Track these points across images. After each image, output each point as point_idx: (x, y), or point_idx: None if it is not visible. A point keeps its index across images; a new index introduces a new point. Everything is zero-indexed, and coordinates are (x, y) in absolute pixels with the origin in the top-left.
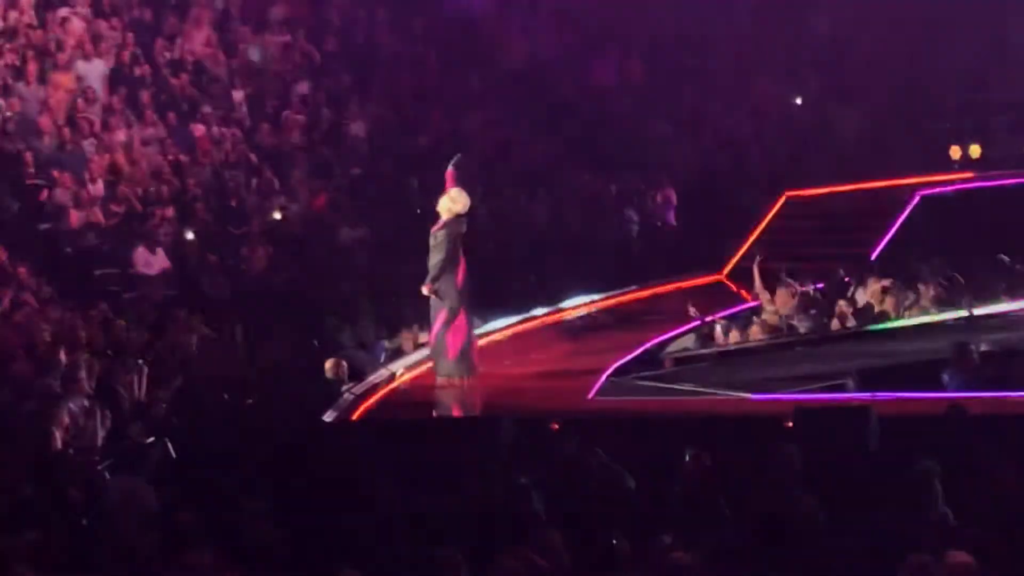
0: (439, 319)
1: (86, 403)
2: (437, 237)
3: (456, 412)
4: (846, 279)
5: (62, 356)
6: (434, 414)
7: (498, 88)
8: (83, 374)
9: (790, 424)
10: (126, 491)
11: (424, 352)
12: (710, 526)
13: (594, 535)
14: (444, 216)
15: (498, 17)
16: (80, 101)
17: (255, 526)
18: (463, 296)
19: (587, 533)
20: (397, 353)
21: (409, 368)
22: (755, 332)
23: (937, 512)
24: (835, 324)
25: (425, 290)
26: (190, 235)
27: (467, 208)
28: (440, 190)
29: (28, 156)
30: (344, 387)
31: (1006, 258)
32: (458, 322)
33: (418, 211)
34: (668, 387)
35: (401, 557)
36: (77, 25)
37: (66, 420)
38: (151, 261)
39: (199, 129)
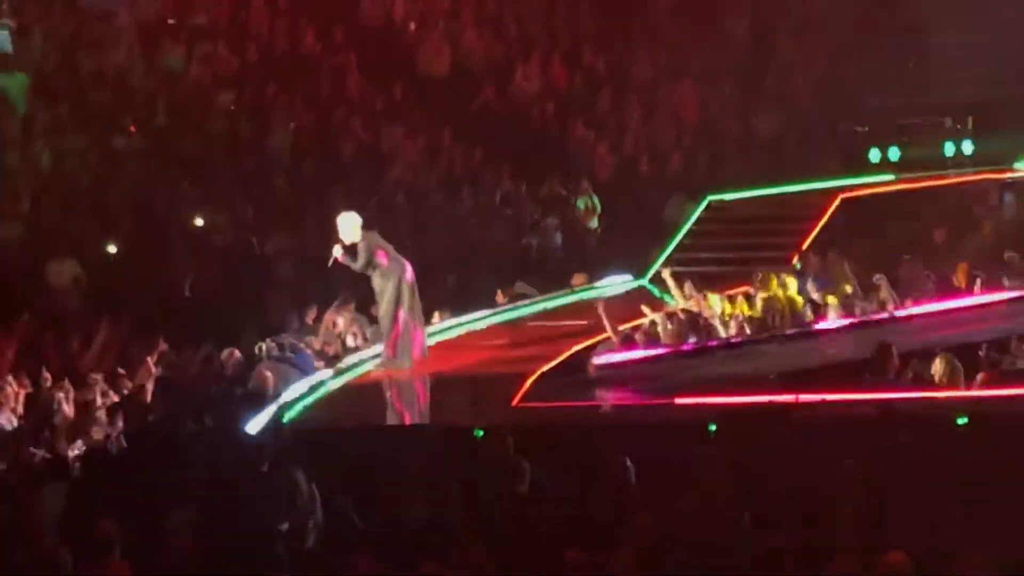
0: None
1: (14, 420)
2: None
3: (381, 419)
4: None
5: None
6: (360, 421)
7: (420, 95)
8: (10, 391)
9: (713, 427)
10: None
11: (351, 359)
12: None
13: (517, 543)
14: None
15: (420, 24)
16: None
17: (177, 537)
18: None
19: (510, 541)
20: (328, 360)
21: (336, 375)
22: (678, 336)
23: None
24: (758, 326)
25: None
26: (112, 247)
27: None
28: (364, 198)
29: None
30: (269, 396)
31: (908, 256)
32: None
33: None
34: (593, 393)
35: (324, 566)
36: None
37: None
38: (62, 272)
39: (122, 140)
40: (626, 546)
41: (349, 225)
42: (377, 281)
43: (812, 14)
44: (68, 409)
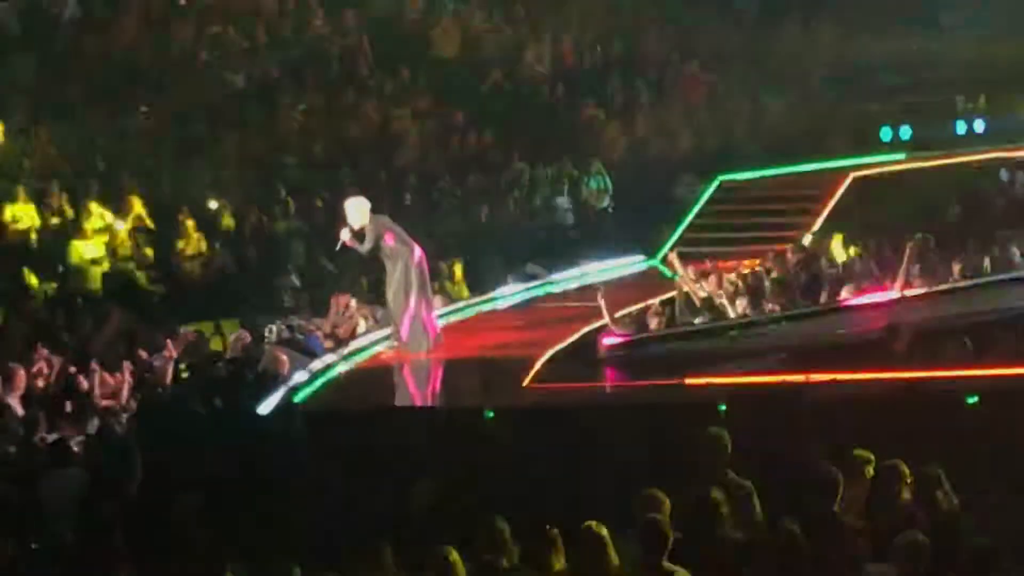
0: None
1: (20, 404)
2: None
3: (391, 401)
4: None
5: None
6: (369, 403)
7: (431, 77)
8: (21, 373)
9: (724, 407)
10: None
11: (359, 342)
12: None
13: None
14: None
15: (430, 6)
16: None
17: (184, 521)
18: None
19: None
20: (338, 342)
21: (345, 357)
22: (688, 316)
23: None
24: (767, 306)
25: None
26: (123, 228)
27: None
28: (373, 180)
29: None
30: (280, 379)
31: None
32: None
33: None
34: (603, 373)
35: (338, 550)
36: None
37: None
38: (84, 254)
39: (131, 122)
40: (633, 525)
41: (357, 209)
42: (387, 264)
43: None
44: (91, 386)
